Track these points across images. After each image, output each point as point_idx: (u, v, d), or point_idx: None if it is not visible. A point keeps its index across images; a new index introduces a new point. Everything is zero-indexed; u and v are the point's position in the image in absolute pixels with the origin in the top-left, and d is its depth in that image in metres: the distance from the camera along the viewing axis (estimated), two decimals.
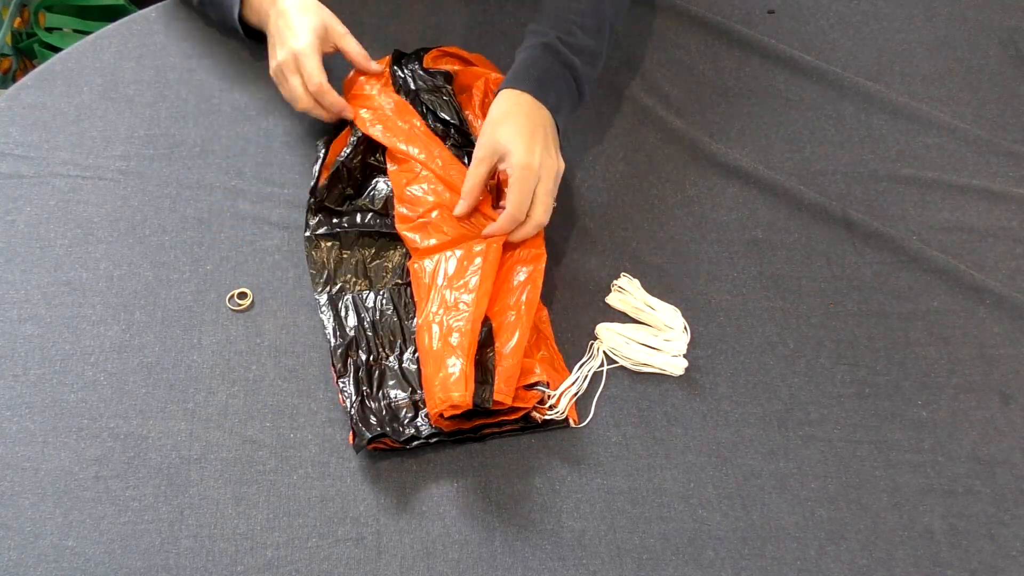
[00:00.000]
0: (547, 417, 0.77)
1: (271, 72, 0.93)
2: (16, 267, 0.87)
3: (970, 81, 1.05)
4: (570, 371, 0.81)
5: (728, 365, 0.83)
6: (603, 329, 0.84)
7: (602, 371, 0.82)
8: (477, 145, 0.84)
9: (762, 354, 0.83)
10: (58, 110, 0.99)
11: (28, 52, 1.60)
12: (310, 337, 0.83)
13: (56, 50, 1.53)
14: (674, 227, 0.92)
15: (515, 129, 0.82)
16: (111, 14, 1.57)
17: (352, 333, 0.81)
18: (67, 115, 0.99)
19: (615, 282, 0.87)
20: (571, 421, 0.78)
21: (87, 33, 1.15)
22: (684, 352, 0.83)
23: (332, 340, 0.81)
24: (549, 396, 0.78)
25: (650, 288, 0.87)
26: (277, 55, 0.90)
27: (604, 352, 0.82)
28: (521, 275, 0.83)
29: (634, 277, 0.87)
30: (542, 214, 0.82)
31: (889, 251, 0.90)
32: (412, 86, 0.95)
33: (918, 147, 0.99)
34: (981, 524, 0.74)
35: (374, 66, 0.94)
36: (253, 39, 1.00)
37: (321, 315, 0.83)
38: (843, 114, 1.02)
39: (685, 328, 0.84)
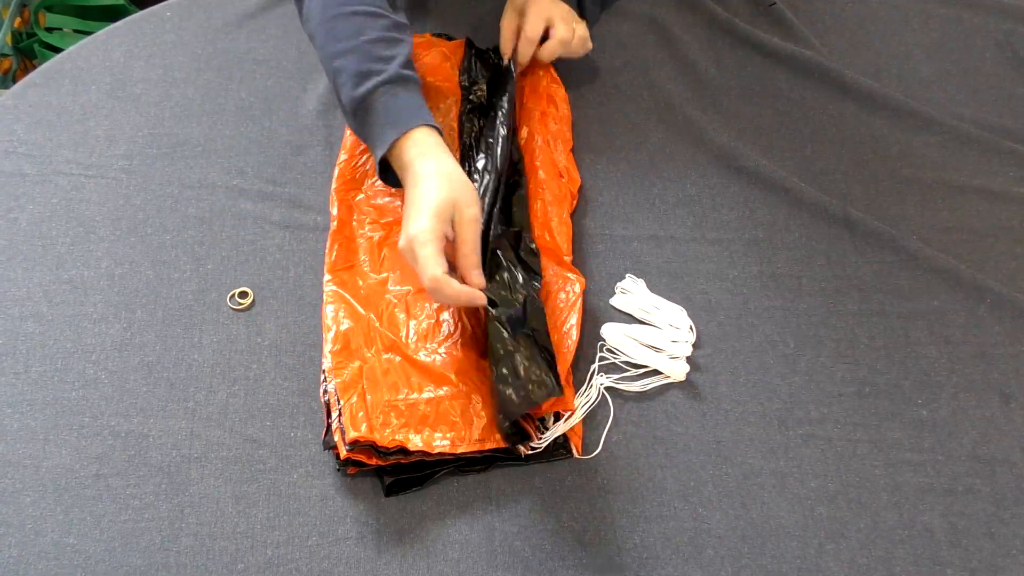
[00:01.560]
0: (531, 452, 0.76)
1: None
2: (18, 265, 0.88)
3: (968, 83, 1.06)
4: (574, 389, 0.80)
5: (728, 364, 0.83)
6: (608, 329, 0.84)
7: (604, 398, 0.81)
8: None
9: (762, 353, 0.83)
10: (63, 108, 1.00)
11: (28, 52, 1.60)
12: (310, 336, 0.83)
13: (56, 50, 1.54)
14: (675, 226, 0.92)
15: None
16: (111, 14, 1.57)
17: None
18: (72, 113, 0.99)
19: (619, 284, 0.87)
20: (575, 450, 0.77)
21: (87, 33, 1.16)
22: (689, 354, 0.83)
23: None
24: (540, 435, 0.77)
25: (651, 287, 0.87)
26: (405, 232, 0.76)
27: (602, 389, 0.81)
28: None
29: (638, 278, 0.87)
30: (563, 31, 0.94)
31: (889, 250, 0.90)
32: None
33: (919, 147, 0.99)
34: (981, 523, 0.74)
35: (476, 278, 0.77)
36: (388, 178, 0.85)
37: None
38: (844, 114, 1.02)
39: (691, 328, 0.84)
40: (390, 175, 0.83)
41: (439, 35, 1.06)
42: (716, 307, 0.86)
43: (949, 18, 1.12)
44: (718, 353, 0.83)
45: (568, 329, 0.82)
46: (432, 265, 0.73)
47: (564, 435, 0.77)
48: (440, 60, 1.02)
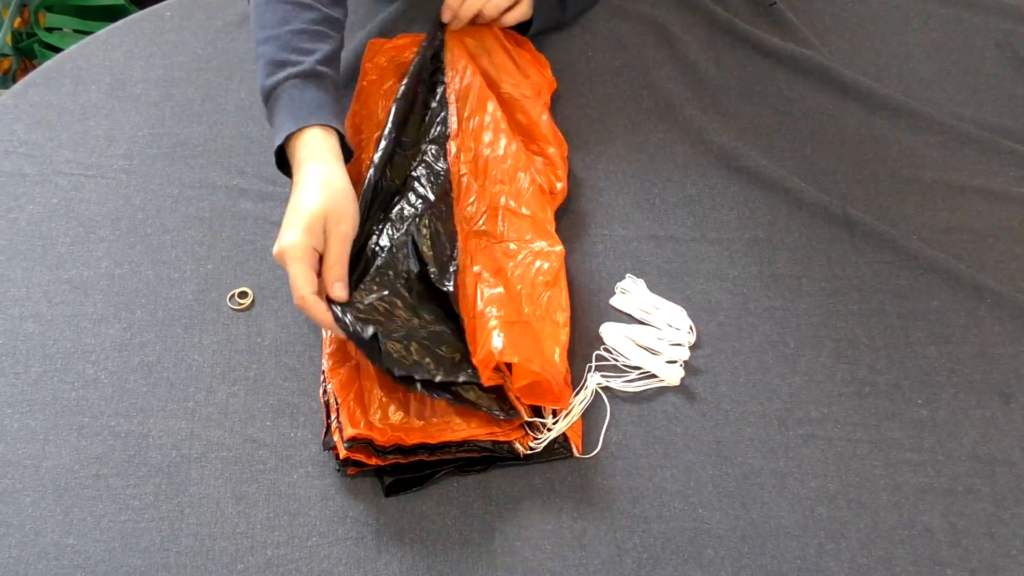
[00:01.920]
0: (529, 451, 0.76)
1: None
2: (18, 265, 0.88)
3: (968, 83, 1.06)
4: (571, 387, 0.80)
5: (728, 364, 0.83)
6: (607, 329, 0.84)
7: (600, 396, 0.81)
8: None
9: (762, 353, 0.83)
10: (64, 108, 1.00)
11: (28, 52, 1.60)
12: (310, 336, 0.83)
13: (56, 50, 1.54)
14: (675, 226, 0.92)
15: None
16: (111, 14, 1.57)
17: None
18: (72, 113, 0.99)
19: (619, 284, 0.87)
20: (575, 449, 0.77)
21: (87, 33, 1.16)
22: (687, 357, 0.82)
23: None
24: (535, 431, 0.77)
25: (650, 287, 0.87)
26: (276, 242, 0.76)
27: (598, 389, 0.81)
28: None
29: (638, 278, 0.87)
30: None
31: (889, 250, 0.90)
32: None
33: (919, 147, 0.99)
34: (981, 523, 0.74)
35: (337, 290, 0.75)
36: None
37: None
38: (844, 114, 1.02)
39: (691, 328, 0.84)
40: (287, 167, 0.83)
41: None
42: (716, 307, 0.86)
43: (949, 18, 1.12)
44: (718, 353, 0.83)
45: (555, 313, 0.81)
46: (301, 283, 0.73)
47: (563, 434, 0.77)
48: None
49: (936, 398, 0.81)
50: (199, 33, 1.07)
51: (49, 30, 1.58)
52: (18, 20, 1.58)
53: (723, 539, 0.73)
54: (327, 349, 0.79)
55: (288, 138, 0.80)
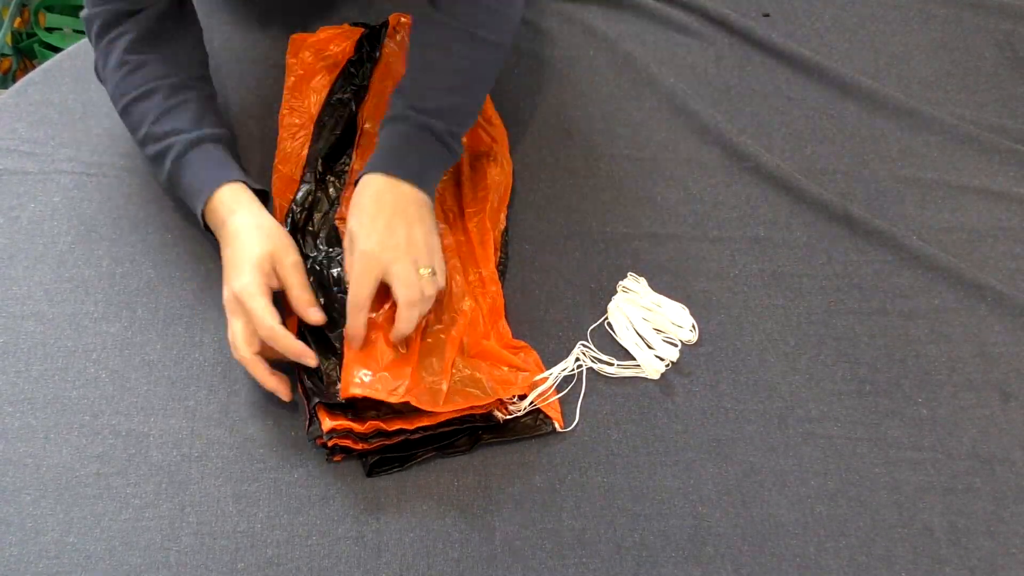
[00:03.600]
0: (511, 415, 0.77)
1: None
2: (19, 263, 0.88)
3: (968, 83, 1.06)
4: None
5: (729, 362, 0.83)
6: (616, 302, 0.84)
7: (582, 372, 0.82)
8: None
9: (763, 352, 0.84)
10: (65, 107, 1.00)
11: (28, 52, 1.60)
12: None
13: (56, 50, 1.54)
14: (676, 225, 0.92)
15: (358, 216, 0.77)
16: None
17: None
18: (74, 112, 0.99)
19: (621, 282, 0.87)
20: (556, 425, 0.78)
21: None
22: (675, 359, 0.82)
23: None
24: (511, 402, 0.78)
25: (652, 286, 0.87)
26: (223, 293, 0.77)
27: (580, 355, 0.82)
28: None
29: (640, 276, 0.87)
30: (403, 307, 0.74)
31: (890, 249, 0.90)
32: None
33: (919, 147, 0.99)
34: (981, 521, 0.74)
35: (314, 315, 0.77)
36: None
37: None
38: (844, 113, 1.02)
39: (693, 327, 0.84)
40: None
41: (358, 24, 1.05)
42: (717, 305, 0.86)
43: (949, 18, 1.12)
44: (719, 351, 0.83)
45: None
46: (268, 317, 0.74)
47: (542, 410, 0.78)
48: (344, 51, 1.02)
49: (936, 397, 0.81)
50: None
51: (49, 30, 1.58)
52: (18, 20, 1.58)
53: (723, 537, 0.73)
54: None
55: (203, 209, 0.81)
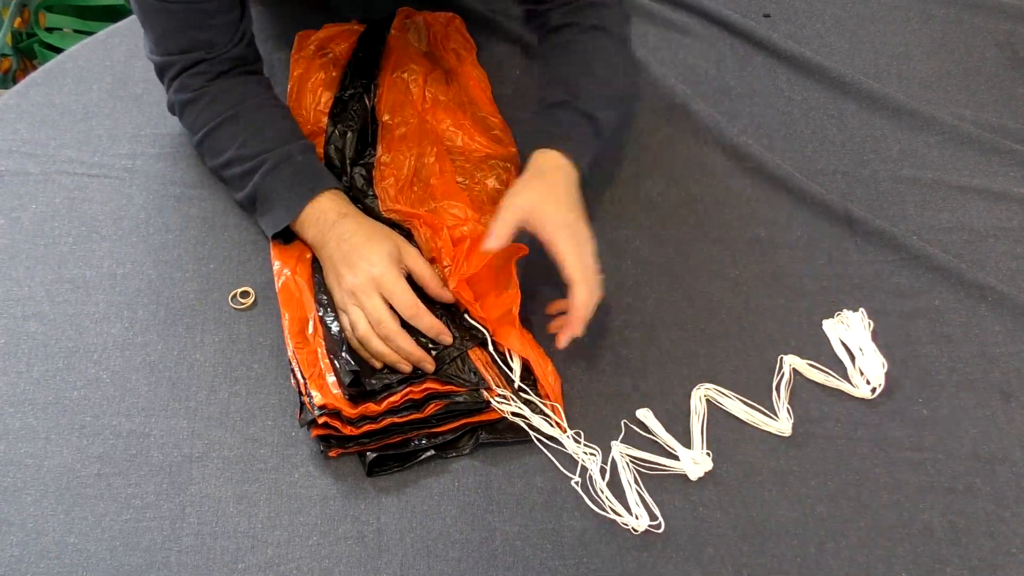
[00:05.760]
0: (499, 400, 0.77)
1: (335, 299, 0.82)
2: (20, 264, 0.88)
3: (968, 83, 1.06)
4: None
5: (729, 363, 0.83)
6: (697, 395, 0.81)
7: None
8: (507, 202, 0.80)
9: (763, 351, 0.84)
10: (66, 108, 1.00)
11: (28, 52, 1.61)
12: None
13: (56, 50, 1.54)
14: (677, 225, 0.92)
15: (549, 194, 0.81)
16: (111, 14, 1.57)
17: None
18: (75, 113, 0.99)
19: (841, 312, 0.85)
20: (559, 428, 0.78)
21: (87, 33, 1.16)
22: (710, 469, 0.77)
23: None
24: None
25: (652, 286, 0.87)
26: (347, 279, 0.79)
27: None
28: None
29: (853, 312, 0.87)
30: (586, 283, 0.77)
31: (890, 249, 0.90)
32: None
33: (919, 147, 0.99)
34: (981, 522, 0.74)
35: (447, 293, 0.82)
36: (277, 239, 0.88)
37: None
38: (845, 114, 1.02)
39: (875, 389, 0.81)
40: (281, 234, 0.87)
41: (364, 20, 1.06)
42: (717, 305, 0.86)
43: (949, 18, 1.12)
44: (719, 352, 0.83)
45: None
46: (412, 297, 0.79)
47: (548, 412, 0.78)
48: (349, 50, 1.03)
49: (936, 397, 0.81)
50: None
51: (49, 30, 1.58)
52: (18, 20, 1.58)
53: (723, 537, 0.73)
54: (287, 332, 0.81)
55: (305, 210, 0.84)
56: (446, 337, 0.79)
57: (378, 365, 0.78)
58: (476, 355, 0.80)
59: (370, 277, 0.78)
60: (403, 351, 0.77)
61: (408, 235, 0.87)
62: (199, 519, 0.73)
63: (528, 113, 0.91)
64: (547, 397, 0.79)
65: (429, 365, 0.78)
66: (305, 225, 0.84)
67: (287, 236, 0.87)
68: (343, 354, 0.77)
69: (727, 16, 1.10)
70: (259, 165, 0.85)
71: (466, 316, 0.81)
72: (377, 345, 0.77)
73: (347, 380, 0.75)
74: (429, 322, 0.79)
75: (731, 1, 1.13)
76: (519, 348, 0.79)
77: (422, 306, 0.79)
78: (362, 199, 0.90)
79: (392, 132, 0.94)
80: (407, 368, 0.78)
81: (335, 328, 0.80)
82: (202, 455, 0.77)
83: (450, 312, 0.82)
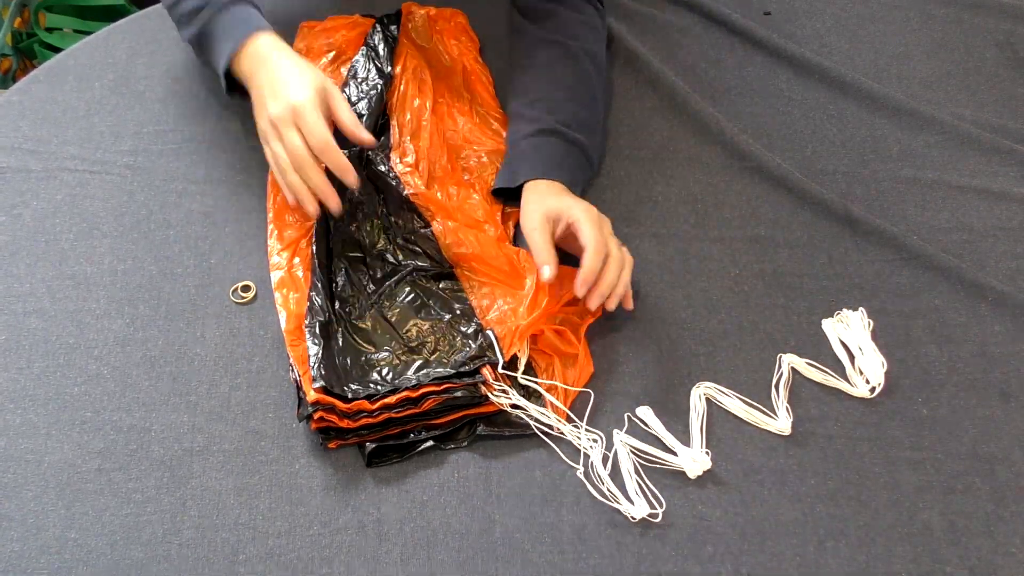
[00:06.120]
0: (497, 392, 0.77)
1: (259, 130, 0.85)
2: (21, 260, 0.88)
3: (968, 83, 1.06)
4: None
5: (729, 362, 0.83)
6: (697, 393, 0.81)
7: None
8: (524, 226, 0.83)
9: (763, 351, 0.84)
10: (68, 105, 1.00)
11: (28, 52, 1.61)
12: None
13: (56, 50, 1.54)
14: (677, 224, 0.92)
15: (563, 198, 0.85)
16: (111, 14, 1.57)
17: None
18: (77, 110, 0.99)
19: (840, 311, 0.86)
20: (560, 420, 0.78)
21: (87, 33, 1.16)
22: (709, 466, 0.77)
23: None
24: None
25: (652, 285, 0.87)
26: (269, 109, 0.82)
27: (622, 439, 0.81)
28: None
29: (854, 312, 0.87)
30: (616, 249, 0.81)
31: (891, 249, 0.90)
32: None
33: (919, 147, 1.00)
34: (980, 521, 0.74)
35: (366, 135, 0.84)
36: (233, 92, 0.92)
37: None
38: (845, 114, 1.02)
39: (874, 389, 0.81)
40: (235, 91, 0.90)
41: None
42: (717, 305, 0.87)
43: (949, 18, 1.13)
44: (718, 351, 0.84)
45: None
46: (324, 130, 0.80)
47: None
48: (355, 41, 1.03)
49: (936, 396, 0.81)
50: None
51: (49, 30, 1.58)
52: (18, 20, 1.58)
53: (722, 536, 0.73)
54: (285, 327, 0.81)
55: (240, 52, 0.86)
56: (351, 179, 0.81)
57: (291, 200, 0.82)
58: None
59: (290, 107, 0.80)
60: (312, 182, 0.80)
61: (426, 224, 0.87)
62: (200, 512, 0.74)
63: (514, 135, 0.92)
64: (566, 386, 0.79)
65: (334, 204, 0.82)
66: (243, 59, 0.87)
67: (240, 88, 0.89)
68: (312, 368, 0.76)
69: (727, 15, 1.10)
70: (204, 4, 0.88)
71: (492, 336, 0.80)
72: (292, 178, 0.81)
73: (316, 385, 0.75)
74: (336, 158, 0.80)
75: (732, 0, 1.13)
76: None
77: (333, 142, 0.80)
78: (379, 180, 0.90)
79: (400, 130, 0.94)
80: (312, 208, 0.82)
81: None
82: (203, 449, 0.77)
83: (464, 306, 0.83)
